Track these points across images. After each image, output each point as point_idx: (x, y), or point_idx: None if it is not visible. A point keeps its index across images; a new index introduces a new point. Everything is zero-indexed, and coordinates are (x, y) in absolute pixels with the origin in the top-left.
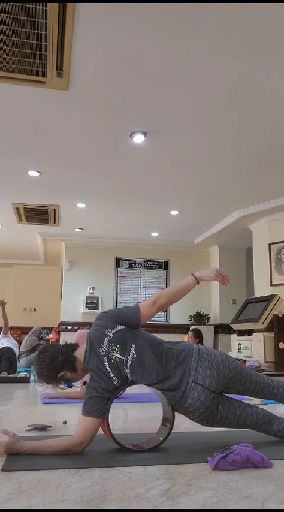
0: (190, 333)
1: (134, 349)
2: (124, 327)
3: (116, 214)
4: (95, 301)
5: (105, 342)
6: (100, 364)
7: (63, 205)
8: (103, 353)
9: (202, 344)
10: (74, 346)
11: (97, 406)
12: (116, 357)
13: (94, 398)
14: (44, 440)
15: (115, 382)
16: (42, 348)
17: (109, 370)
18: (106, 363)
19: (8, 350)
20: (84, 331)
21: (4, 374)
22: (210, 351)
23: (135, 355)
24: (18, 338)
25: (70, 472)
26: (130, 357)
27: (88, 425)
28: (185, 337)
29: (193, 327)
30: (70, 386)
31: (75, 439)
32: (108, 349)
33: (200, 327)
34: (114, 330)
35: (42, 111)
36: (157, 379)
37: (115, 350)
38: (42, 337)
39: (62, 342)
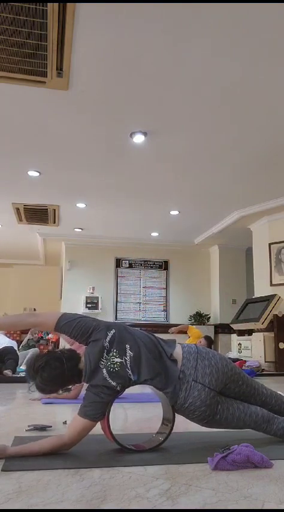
0: (203, 340)
1: (129, 349)
2: (114, 331)
3: (116, 214)
4: (95, 301)
5: (104, 353)
6: (100, 377)
7: (63, 205)
8: (102, 366)
9: None
10: (77, 359)
11: (98, 411)
12: (116, 362)
13: (95, 403)
14: (34, 442)
15: (118, 388)
16: (43, 361)
17: (110, 380)
18: (105, 375)
19: (10, 350)
20: None
21: (9, 373)
22: (208, 351)
23: (131, 355)
24: (18, 338)
25: (70, 472)
26: (128, 358)
27: (84, 427)
28: (189, 337)
29: (206, 334)
30: (69, 390)
31: (67, 439)
32: (107, 360)
33: (200, 327)
34: (108, 338)
35: (42, 111)
36: (155, 372)
37: (114, 356)
38: (42, 336)
39: (61, 342)
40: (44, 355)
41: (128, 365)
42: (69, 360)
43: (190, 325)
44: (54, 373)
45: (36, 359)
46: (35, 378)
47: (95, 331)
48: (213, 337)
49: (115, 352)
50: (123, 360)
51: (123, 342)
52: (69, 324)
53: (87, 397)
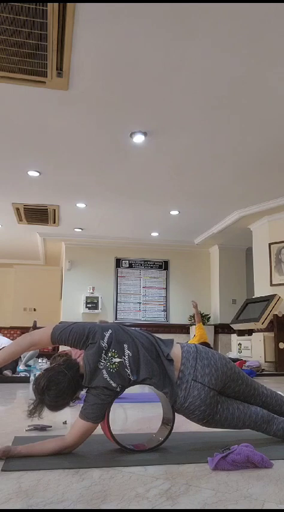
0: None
1: (127, 348)
2: (111, 331)
3: (116, 214)
4: (95, 301)
5: (103, 354)
6: (100, 379)
7: (63, 205)
8: (102, 367)
9: None
10: (77, 365)
11: (98, 413)
12: (115, 362)
13: (96, 405)
14: (36, 442)
15: (118, 389)
16: (45, 380)
17: (110, 381)
18: (106, 376)
19: None
20: None
21: (9, 373)
22: (207, 350)
23: (130, 354)
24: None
25: (70, 472)
26: (126, 357)
27: (85, 429)
28: (195, 336)
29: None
30: (78, 398)
31: (69, 441)
32: (106, 361)
33: None
34: (105, 338)
35: (42, 111)
36: (153, 372)
37: (113, 356)
38: None
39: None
40: (44, 374)
41: (127, 365)
42: (70, 369)
43: (201, 323)
44: (60, 387)
45: (37, 382)
46: (43, 400)
47: (91, 333)
48: (212, 338)
49: (114, 352)
50: (122, 360)
51: (120, 342)
52: (64, 333)
53: (87, 399)
